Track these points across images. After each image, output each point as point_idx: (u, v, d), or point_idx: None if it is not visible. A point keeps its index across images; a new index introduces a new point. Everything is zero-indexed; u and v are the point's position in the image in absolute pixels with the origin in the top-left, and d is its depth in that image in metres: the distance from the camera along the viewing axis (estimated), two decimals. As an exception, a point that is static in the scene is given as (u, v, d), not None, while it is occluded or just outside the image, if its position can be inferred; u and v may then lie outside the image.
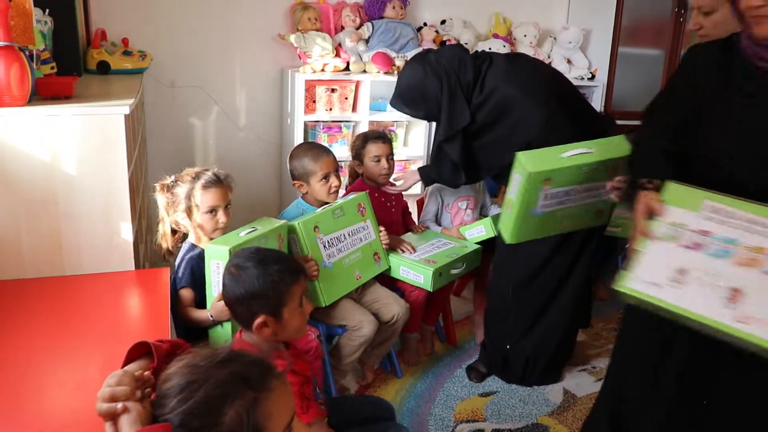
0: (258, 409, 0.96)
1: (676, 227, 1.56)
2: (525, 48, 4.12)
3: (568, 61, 4.26)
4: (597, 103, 4.24)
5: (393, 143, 3.09)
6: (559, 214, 2.33)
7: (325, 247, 2.43)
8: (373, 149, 2.88)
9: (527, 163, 2.18)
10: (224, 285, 1.66)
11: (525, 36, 4.18)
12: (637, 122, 1.91)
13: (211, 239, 2.11)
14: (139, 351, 1.12)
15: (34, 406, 1.43)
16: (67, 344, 1.68)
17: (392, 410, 2.03)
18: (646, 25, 4.33)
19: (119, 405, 0.95)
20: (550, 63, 4.18)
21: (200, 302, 2.11)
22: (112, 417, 0.96)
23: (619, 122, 2.95)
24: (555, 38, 4.31)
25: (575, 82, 4.15)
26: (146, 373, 1.04)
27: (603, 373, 2.85)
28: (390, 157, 2.92)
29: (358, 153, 2.93)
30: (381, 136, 2.95)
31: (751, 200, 1.50)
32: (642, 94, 3.99)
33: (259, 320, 1.57)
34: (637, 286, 1.53)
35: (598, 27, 4.27)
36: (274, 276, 1.60)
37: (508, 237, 2.36)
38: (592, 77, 4.25)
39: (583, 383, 2.88)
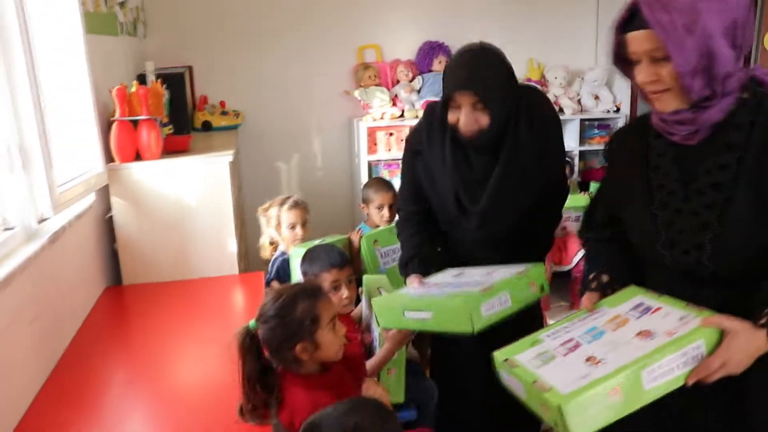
0: (316, 305, 1.63)
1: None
2: (556, 88, 4.71)
3: (596, 97, 4.80)
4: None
5: None
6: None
7: (381, 256, 3.12)
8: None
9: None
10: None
11: (555, 78, 4.74)
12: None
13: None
14: None
15: (171, 373, 2.08)
16: (194, 325, 2.44)
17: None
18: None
19: None
20: (578, 100, 4.77)
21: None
22: None
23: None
24: (583, 78, 4.85)
25: (602, 116, 4.78)
26: None
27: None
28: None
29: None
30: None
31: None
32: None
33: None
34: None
35: (623, 64, 4.86)
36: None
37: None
38: (617, 110, 4.80)
39: None
